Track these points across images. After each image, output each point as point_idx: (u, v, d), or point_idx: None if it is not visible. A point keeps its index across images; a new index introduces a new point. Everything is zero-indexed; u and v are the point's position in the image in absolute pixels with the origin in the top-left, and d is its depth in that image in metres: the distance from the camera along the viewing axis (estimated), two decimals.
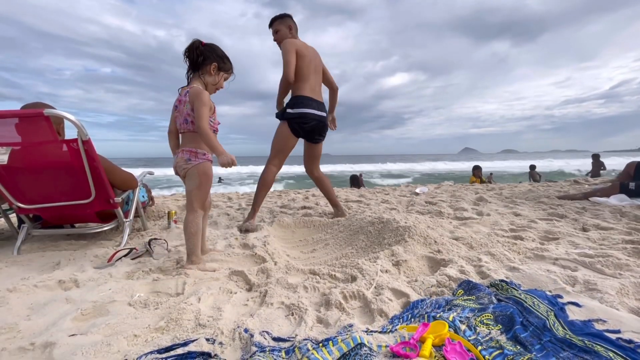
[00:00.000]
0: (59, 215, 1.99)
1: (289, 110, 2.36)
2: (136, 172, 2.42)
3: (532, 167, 10.30)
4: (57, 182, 1.81)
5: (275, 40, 2.49)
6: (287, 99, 2.46)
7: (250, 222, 2.34)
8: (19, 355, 0.89)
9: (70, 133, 1.81)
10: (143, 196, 2.48)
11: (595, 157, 8.74)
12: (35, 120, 1.62)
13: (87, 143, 1.69)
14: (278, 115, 2.45)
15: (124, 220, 2.04)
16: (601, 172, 8.48)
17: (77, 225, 2.25)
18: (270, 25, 2.49)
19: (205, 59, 1.55)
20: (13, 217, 2.28)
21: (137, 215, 2.32)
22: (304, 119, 2.36)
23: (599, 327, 0.92)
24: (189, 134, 1.55)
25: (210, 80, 1.58)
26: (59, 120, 1.82)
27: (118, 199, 1.92)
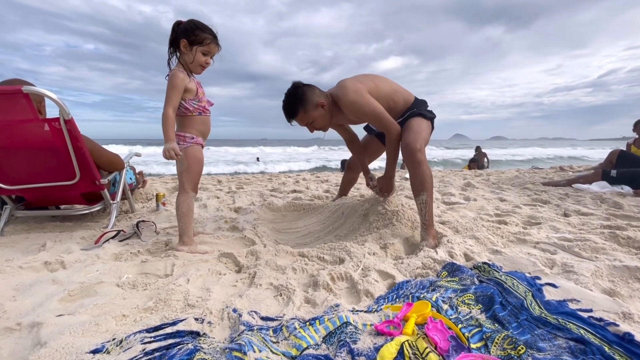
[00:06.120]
0: (43, 197, 1.95)
1: (429, 109, 1.85)
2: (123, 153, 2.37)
3: (478, 149, 9.12)
4: (40, 162, 1.76)
5: (316, 129, 1.81)
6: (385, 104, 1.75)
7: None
8: (5, 335, 0.89)
9: (52, 112, 1.75)
10: (130, 178, 2.44)
11: (478, 149, 9.03)
12: (14, 98, 1.55)
13: (69, 122, 1.64)
14: (415, 114, 1.80)
15: (111, 202, 2.01)
16: (484, 163, 8.66)
17: (62, 206, 2.21)
18: (292, 119, 1.76)
19: (175, 37, 1.47)
20: None
21: (124, 197, 2.29)
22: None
23: (572, 306, 0.97)
24: (178, 118, 1.54)
25: (187, 58, 1.49)
26: (39, 99, 1.75)
27: (104, 180, 1.89)
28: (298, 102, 1.69)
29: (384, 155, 1.96)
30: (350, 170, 2.29)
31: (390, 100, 1.78)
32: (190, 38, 1.45)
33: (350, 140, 2.14)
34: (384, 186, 1.92)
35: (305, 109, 1.69)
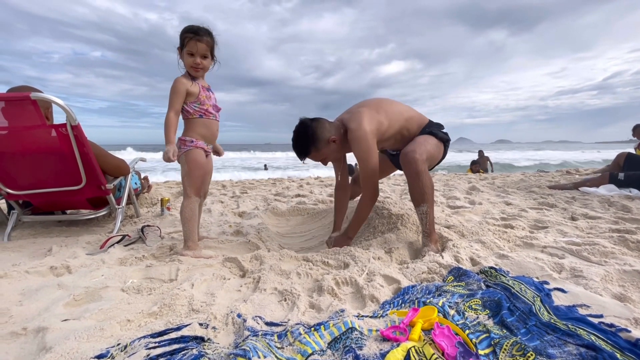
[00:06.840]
0: (50, 202, 1.96)
1: (444, 131, 1.79)
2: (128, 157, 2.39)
3: (481, 154, 9.13)
4: (47, 167, 1.78)
5: (329, 161, 1.76)
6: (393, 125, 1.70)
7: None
8: (11, 340, 0.89)
9: (59, 118, 1.77)
10: (135, 183, 2.46)
11: (480, 153, 9.15)
12: (22, 104, 1.58)
13: (76, 128, 1.66)
14: (425, 132, 1.75)
15: (116, 206, 2.02)
16: (487, 166, 8.75)
17: (68, 211, 2.23)
18: (304, 158, 1.68)
19: None
20: (2, 204, 2.25)
21: (129, 202, 2.30)
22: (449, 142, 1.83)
23: (582, 312, 0.95)
24: (182, 122, 1.57)
25: (184, 62, 1.54)
26: (47, 105, 1.77)
27: (110, 186, 1.90)
28: (309, 141, 1.60)
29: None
30: (356, 184, 2.08)
31: (404, 130, 1.73)
32: (180, 44, 1.51)
33: (341, 186, 1.88)
34: (339, 245, 1.66)
35: (317, 147, 1.61)
